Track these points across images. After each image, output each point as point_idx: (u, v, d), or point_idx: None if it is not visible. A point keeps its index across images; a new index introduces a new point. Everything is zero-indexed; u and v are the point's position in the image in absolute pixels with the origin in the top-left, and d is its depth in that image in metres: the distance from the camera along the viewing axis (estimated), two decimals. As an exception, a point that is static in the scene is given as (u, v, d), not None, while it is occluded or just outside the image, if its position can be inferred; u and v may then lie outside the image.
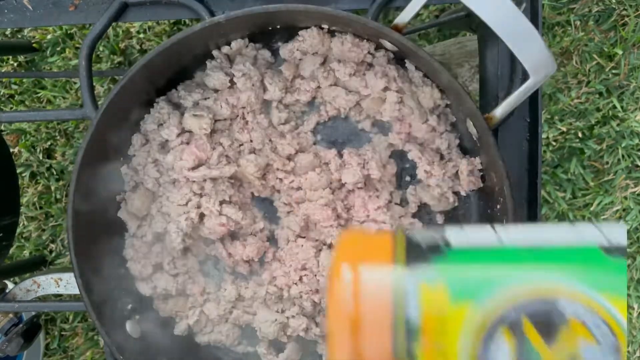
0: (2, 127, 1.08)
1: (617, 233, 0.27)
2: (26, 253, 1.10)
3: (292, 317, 0.59)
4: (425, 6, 0.65)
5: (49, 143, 1.10)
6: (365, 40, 0.55)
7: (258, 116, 0.59)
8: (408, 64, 0.56)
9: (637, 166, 1.01)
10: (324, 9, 0.49)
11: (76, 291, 0.67)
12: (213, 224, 0.57)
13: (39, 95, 1.11)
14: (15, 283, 0.73)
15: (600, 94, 1.01)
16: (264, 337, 0.60)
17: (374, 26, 0.49)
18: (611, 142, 1.00)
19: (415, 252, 0.28)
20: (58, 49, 1.09)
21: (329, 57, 0.58)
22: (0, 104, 1.13)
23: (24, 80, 1.11)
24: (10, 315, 0.73)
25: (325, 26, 0.55)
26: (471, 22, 0.68)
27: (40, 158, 1.10)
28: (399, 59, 0.57)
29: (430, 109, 0.56)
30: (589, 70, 1.01)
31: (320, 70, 0.57)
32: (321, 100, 0.59)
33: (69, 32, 1.09)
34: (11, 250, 0.97)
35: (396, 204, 0.59)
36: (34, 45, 1.02)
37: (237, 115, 0.59)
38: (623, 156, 1.00)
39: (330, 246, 0.58)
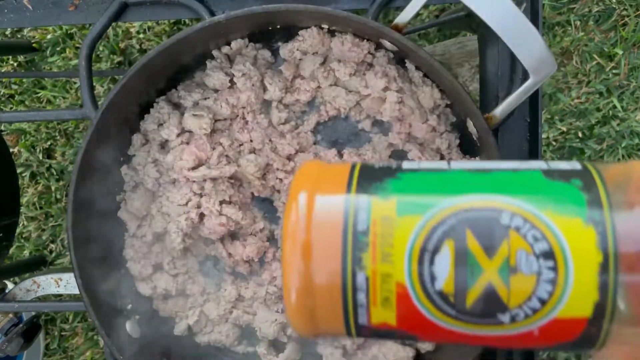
0: (2, 127, 1.08)
1: (560, 162, 0.29)
2: (26, 253, 1.10)
3: (292, 317, 0.59)
4: (425, 6, 0.65)
5: (49, 143, 1.10)
6: (365, 40, 0.55)
7: (258, 116, 0.59)
8: (408, 64, 0.56)
9: (637, 166, 1.01)
10: (324, 9, 0.49)
11: (76, 291, 0.67)
12: (213, 224, 0.57)
13: (39, 95, 1.11)
14: (15, 283, 0.73)
15: (601, 93, 1.01)
16: (264, 337, 0.60)
17: (374, 26, 0.49)
18: (611, 142, 1.00)
19: (369, 174, 0.30)
20: (58, 48, 1.09)
21: (329, 57, 0.57)
22: (0, 104, 1.13)
23: (24, 80, 1.11)
24: (10, 315, 0.73)
25: (325, 26, 0.55)
26: (471, 22, 0.68)
27: (40, 158, 1.10)
28: (399, 59, 0.57)
29: (430, 108, 0.56)
30: (589, 70, 1.01)
31: (320, 70, 0.57)
32: (321, 100, 0.59)
33: (69, 32, 1.09)
34: (11, 250, 0.97)
35: (396, 204, 0.59)
36: (34, 45, 1.02)
37: (237, 115, 0.59)
38: (623, 156, 1.00)
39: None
